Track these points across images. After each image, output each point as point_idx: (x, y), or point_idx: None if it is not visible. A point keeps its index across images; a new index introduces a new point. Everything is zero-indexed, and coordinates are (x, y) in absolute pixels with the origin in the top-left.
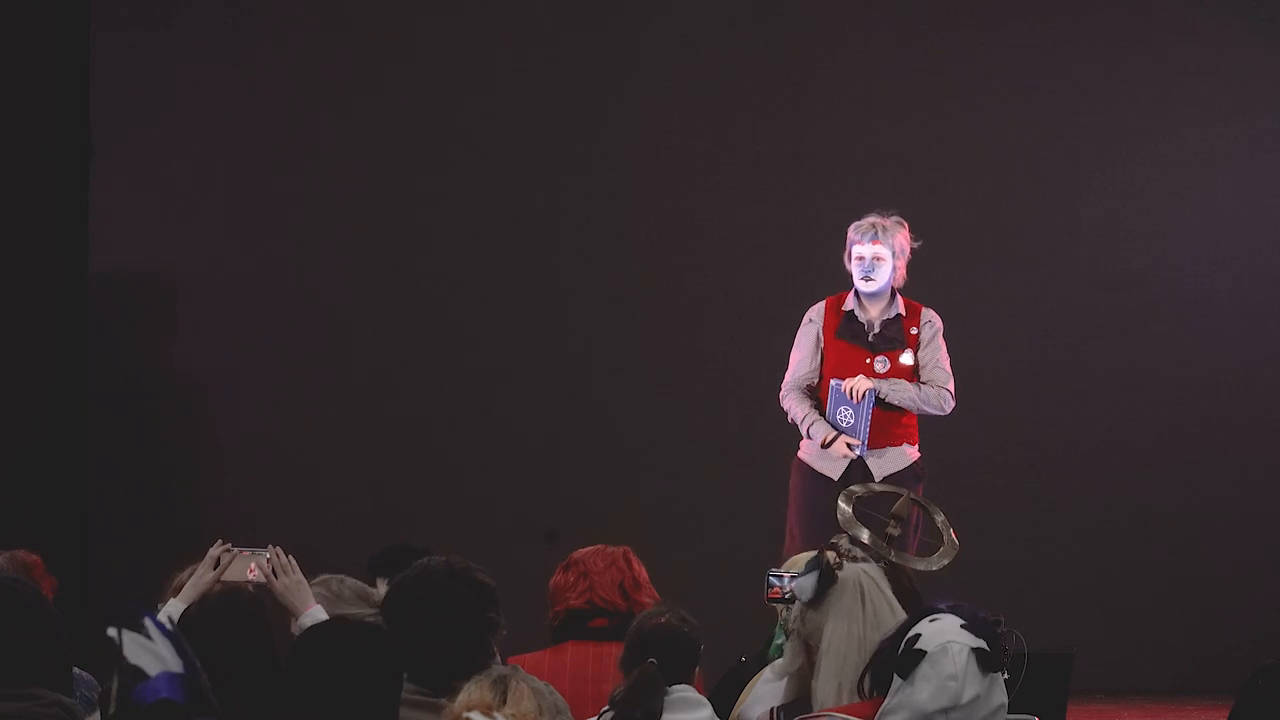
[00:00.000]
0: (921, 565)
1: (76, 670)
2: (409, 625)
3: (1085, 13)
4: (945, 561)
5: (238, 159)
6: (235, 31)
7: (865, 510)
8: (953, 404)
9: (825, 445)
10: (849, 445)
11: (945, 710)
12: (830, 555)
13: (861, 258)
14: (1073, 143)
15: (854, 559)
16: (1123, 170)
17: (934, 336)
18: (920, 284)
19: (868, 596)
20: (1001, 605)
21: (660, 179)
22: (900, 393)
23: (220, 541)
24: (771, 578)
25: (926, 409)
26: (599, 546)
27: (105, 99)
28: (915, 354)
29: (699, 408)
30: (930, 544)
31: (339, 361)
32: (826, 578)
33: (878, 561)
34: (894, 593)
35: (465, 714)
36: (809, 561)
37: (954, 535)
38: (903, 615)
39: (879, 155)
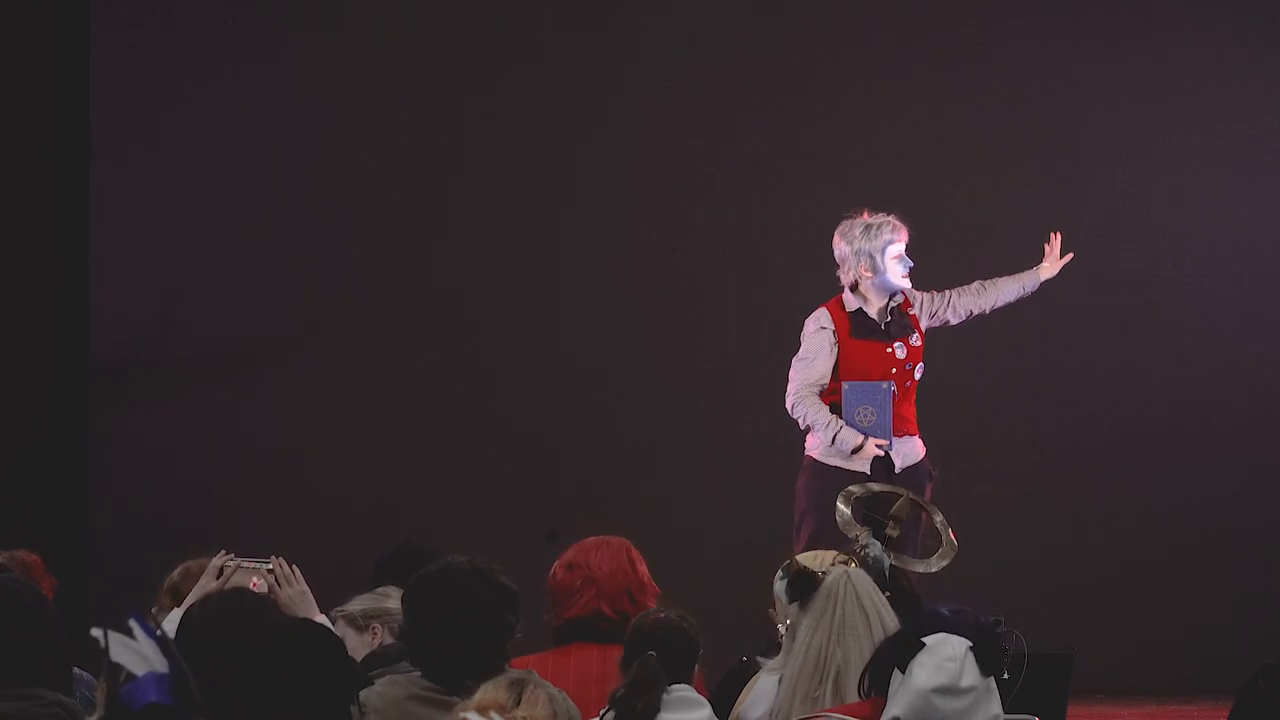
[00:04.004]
0: (920, 567)
1: (76, 670)
2: (428, 621)
3: (1085, 13)
4: (944, 563)
5: (238, 158)
6: (235, 31)
7: (864, 512)
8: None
9: (855, 451)
10: (878, 445)
11: (943, 690)
12: (817, 560)
13: (900, 255)
14: (1073, 143)
15: (866, 560)
16: (1123, 170)
17: (929, 293)
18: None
19: (840, 606)
20: (1001, 605)
21: (660, 179)
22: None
23: (223, 551)
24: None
25: (1018, 286)
26: (600, 541)
27: (105, 99)
28: (920, 332)
29: (699, 407)
30: (929, 545)
31: (339, 362)
32: (796, 583)
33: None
34: (894, 593)
35: (463, 714)
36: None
37: (953, 536)
38: (889, 624)
39: (879, 155)
